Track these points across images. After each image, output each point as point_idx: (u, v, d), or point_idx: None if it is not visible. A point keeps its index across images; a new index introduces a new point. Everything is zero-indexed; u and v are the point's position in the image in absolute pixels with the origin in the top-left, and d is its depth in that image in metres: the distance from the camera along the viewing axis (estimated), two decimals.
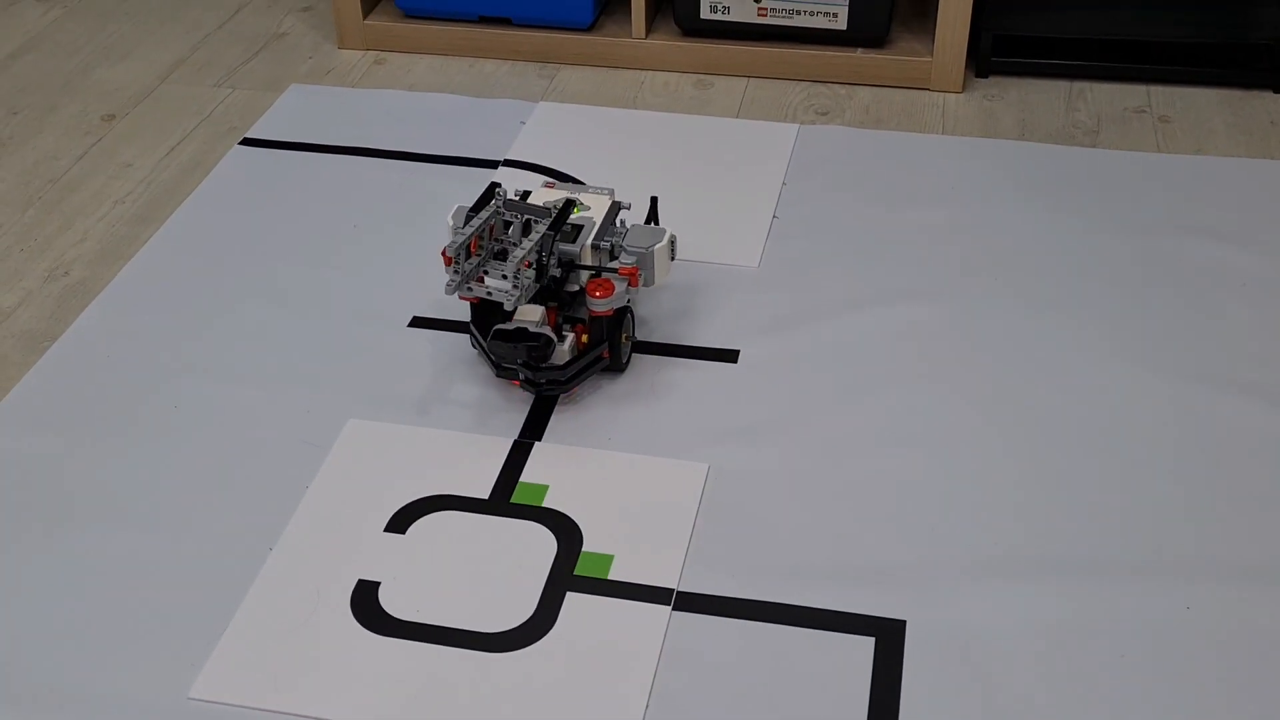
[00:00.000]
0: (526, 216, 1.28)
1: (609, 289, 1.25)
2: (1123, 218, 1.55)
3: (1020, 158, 1.67)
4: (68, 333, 1.41)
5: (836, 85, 1.85)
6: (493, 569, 1.13)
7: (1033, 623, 1.08)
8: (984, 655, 1.06)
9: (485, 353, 1.29)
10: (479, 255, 1.26)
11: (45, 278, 1.50)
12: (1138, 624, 1.08)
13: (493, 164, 1.68)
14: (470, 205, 1.33)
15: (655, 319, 1.40)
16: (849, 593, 1.11)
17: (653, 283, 1.31)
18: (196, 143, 1.74)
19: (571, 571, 1.13)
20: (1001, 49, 1.85)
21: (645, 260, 1.30)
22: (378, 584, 1.12)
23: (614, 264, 1.30)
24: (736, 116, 1.78)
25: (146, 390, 1.33)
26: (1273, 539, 1.15)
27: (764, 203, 1.59)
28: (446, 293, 1.22)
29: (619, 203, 1.35)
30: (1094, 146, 1.70)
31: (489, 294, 1.24)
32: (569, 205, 1.32)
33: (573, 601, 1.10)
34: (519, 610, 1.10)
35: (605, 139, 1.73)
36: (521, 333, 1.24)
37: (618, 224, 1.34)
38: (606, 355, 1.29)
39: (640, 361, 1.35)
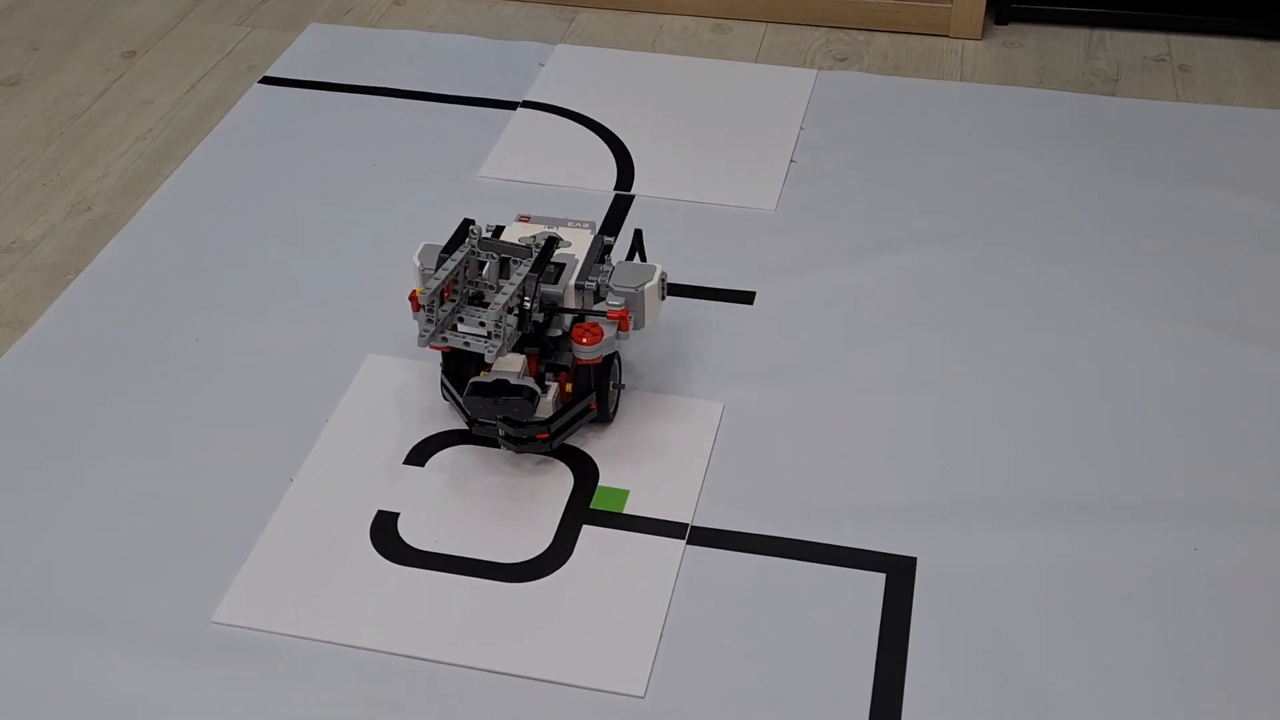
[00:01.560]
0: (504, 255, 1.17)
1: (597, 335, 1.14)
2: (1140, 167, 1.56)
3: (1038, 105, 1.67)
4: (90, 266, 1.42)
5: (855, 31, 1.84)
6: (510, 502, 1.15)
7: (1041, 563, 1.10)
8: (992, 593, 1.07)
9: (459, 407, 1.18)
10: (453, 300, 1.14)
11: (68, 212, 1.51)
12: (1144, 565, 1.10)
13: (511, 105, 1.68)
14: (441, 244, 1.20)
15: (676, 261, 1.41)
16: (861, 530, 1.12)
17: (643, 325, 1.19)
18: (216, 80, 1.75)
19: (588, 505, 1.15)
20: None
21: (635, 301, 1.17)
22: (397, 515, 1.14)
23: (600, 306, 1.18)
24: (755, 61, 1.78)
25: (168, 325, 1.34)
26: None
27: (782, 147, 1.60)
28: (419, 344, 1.11)
29: (602, 237, 1.23)
30: (1113, 95, 1.70)
31: (466, 344, 1.12)
32: (551, 243, 1.18)
33: (589, 535, 1.12)
34: (536, 542, 1.11)
35: (623, 83, 1.73)
36: (501, 385, 1.11)
37: (605, 261, 1.23)
38: (594, 406, 1.18)
39: (667, 309, 1.35)
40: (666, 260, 1.41)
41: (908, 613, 1.06)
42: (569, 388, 1.17)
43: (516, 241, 1.19)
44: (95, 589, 1.08)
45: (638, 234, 1.28)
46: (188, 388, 1.27)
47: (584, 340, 1.14)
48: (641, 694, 1.00)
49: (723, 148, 1.60)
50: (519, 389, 1.10)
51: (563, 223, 1.24)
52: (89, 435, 1.22)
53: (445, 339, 1.12)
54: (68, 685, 1.01)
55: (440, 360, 1.21)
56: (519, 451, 1.17)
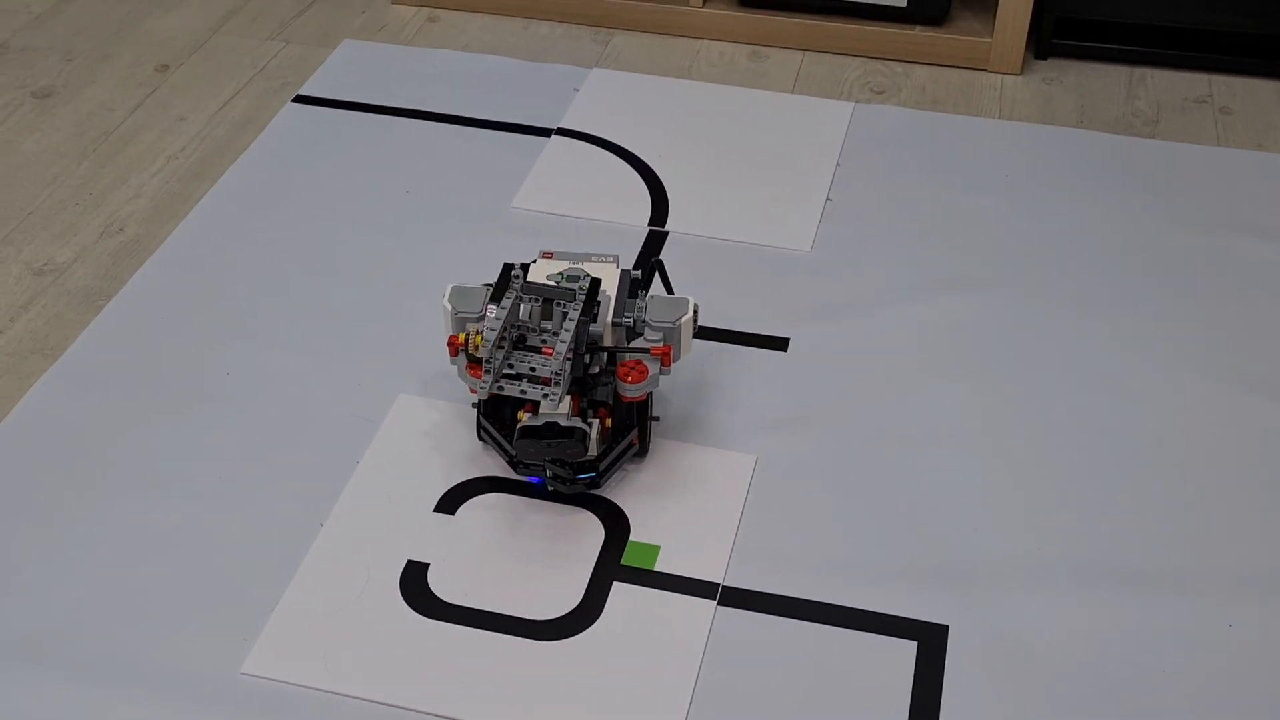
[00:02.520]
0: (547, 298, 1.16)
1: (643, 373, 1.13)
2: (1180, 214, 1.54)
3: (1078, 146, 1.66)
4: (122, 292, 1.41)
5: (893, 62, 1.83)
6: (541, 555, 1.14)
7: (1074, 634, 1.09)
8: (1026, 664, 1.07)
9: (499, 447, 1.18)
10: (501, 346, 1.12)
11: (100, 234, 1.51)
12: (1180, 640, 1.09)
13: (545, 132, 1.67)
14: (468, 283, 1.20)
15: (709, 302, 1.40)
16: (893, 594, 1.12)
17: (679, 358, 1.19)
18: (249, 98, 1.74)
19: (619, 561, 1.14)
20: (1062, 31, 1.82)
21: (672, 335, 1.17)
22: (426, 565, 1.13)
23: (639, 342, 1.18)
24: (792, 91, 1.77)
25: (200, 355, 1.34)
26: None
27: (818, 184, 1.59)
28: (480, 396, 1.10)
29: (628, 271, 1.22)
30: (1153, 137, 1.68)
31: (523, 393, 1.10)
32: (596, 285, 1.17)
33: (619, 591, 1.11)
34: (566, 598, 1.11)
35: (659, 111, 1.72)
36: (552, 428, 1.11)
37: (638, 296, 1.21)
38: (635, 441, 1.19)
39: (702, 354, 1.34)
40: (701, 301, 1.40)
41: (939, 683, 1.05)
42: (608, 423, 1.16)
43: (545, 280, 1.18)
44: (124, 633, 1.08)
45: (659, 265, 1.27)
46: (219, 422, 1.27)
47: (630, 379, 1.13)
48: None
49: (758, 183, 1.59)
50: (569, 430, 1.10)
51: (586, 258, 1.23)
52: (119, 470, 1.22)
53: (501, 388, 1.10)
54: None
55: (475, 401, 1.20)
56: (568, 491, 1.17)
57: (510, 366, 1.12)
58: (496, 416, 1.18)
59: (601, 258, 1.23)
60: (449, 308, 1.18)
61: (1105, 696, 1.05)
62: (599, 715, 1.02)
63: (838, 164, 1.62)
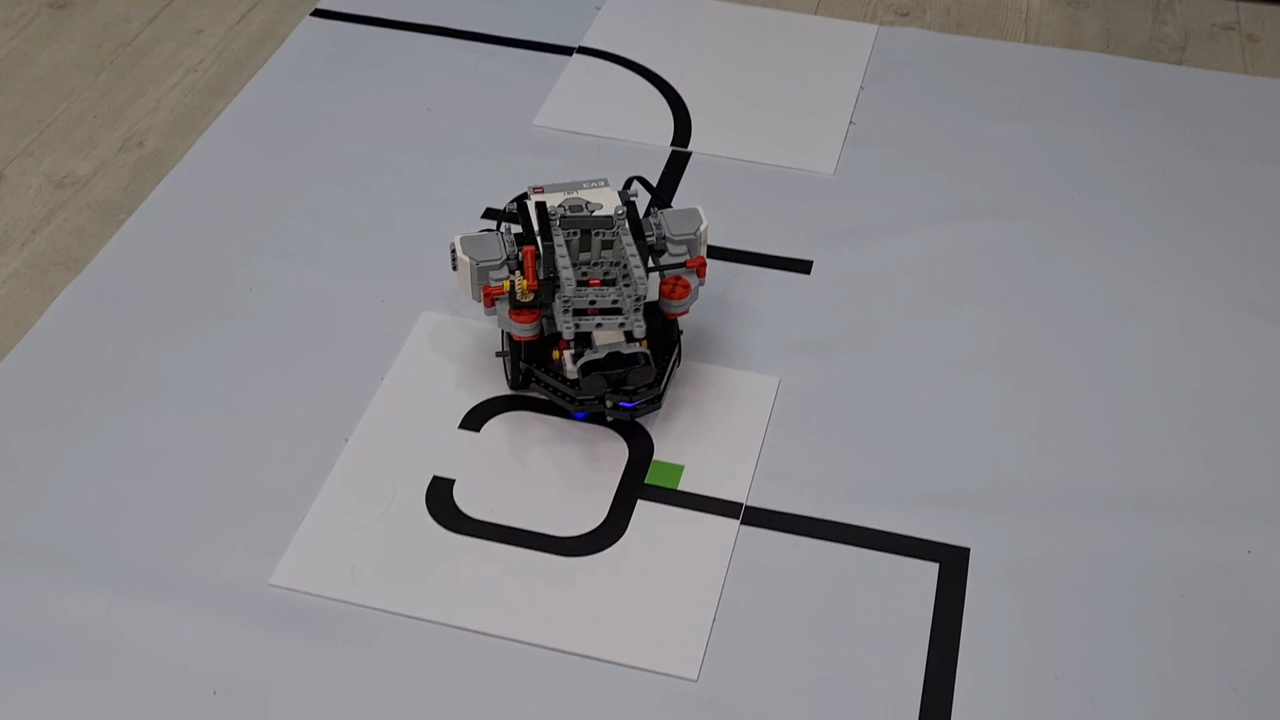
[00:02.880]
0: (584, 229, 1.14)
1: (687, 288, 1.15)
2: (1205, 141, 1.53)
3: (1102, 72, 1.64)
4: (143, 207, 1.41)
5: None
6: (565, 473, 1.15)
7: (1092, 558, 1.10)
8: (1045, 587, 1.08)
9: (555, 391, 1.16)
10: (544, 284, 1.11)
11: (119, 147, 1.50)
12: (1198, 565, 1.10)
13: (567, 50, 1.66)
14: (473, 229, 1.17)
15: (731, 224, 1.40)
16: (914, 517, 1.12)
17: None
18: (267, 11, 1.72)
19: (642, 480, 1.15)
20: None
21: (695, 246, 1.18)
22: (452, 481, 1.14)
23: (669, 259, 1.18)
24: (815, 12, 1.75)
25: (222, 270, 1.34)
26: None
27: (841, 108, 1.57)
28: (566, 335, 1.09)
29: (627, 194, 1.20)
30: (1180, 64, 1.67)
31: (599, 325, 1.11)
32: (633, 209, 1.17)
33: (643, 510, 1.12)
34: (590, 516, 1.12)
35: (680, 31, 1.70)
36: (616, 358, 1.11)
37: (650, 213, 1.20)
38: (680, 359, 1.20)
39: (713, 269, 1.34)
40: (725, 223, 1.40)
41: (960, 604, 1.07)
42: (644, 344, 1.15)
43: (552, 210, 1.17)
44: (154, 544, 1.09)
45: (641, 180, 1.24)
46: (243, 337, 1.27)
47: (675, 295, 1.14)
48: (695, 677, 1.01)
49: (781, 105, 1.58)
50: (633, 357, 1.11)
51: (579, 185, 1.22)
52: (144, 382, 1.22)
53: (578, 325, 1.10)
54: (127, 642, 1.02)
55: (501, 351, 1.19)
56: (632, 419, 1.17)
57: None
58: (543, 356, 1.16)
59: (592, 184, 1.22)
60: (469, 260, 1.14)
61: (1121, 618, 1.06)
62: (623, 629, 1.04)
63: (861, 87, 1.61)
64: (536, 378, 1.17)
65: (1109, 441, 1.19)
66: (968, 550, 1.10)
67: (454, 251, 1.15)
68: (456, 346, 1.26)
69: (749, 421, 1.20)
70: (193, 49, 1.65)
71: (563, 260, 1.11)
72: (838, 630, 1.04)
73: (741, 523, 1.12)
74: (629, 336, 1.14)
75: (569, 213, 1.17)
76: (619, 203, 1.19)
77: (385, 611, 1.05)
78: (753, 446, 1.17)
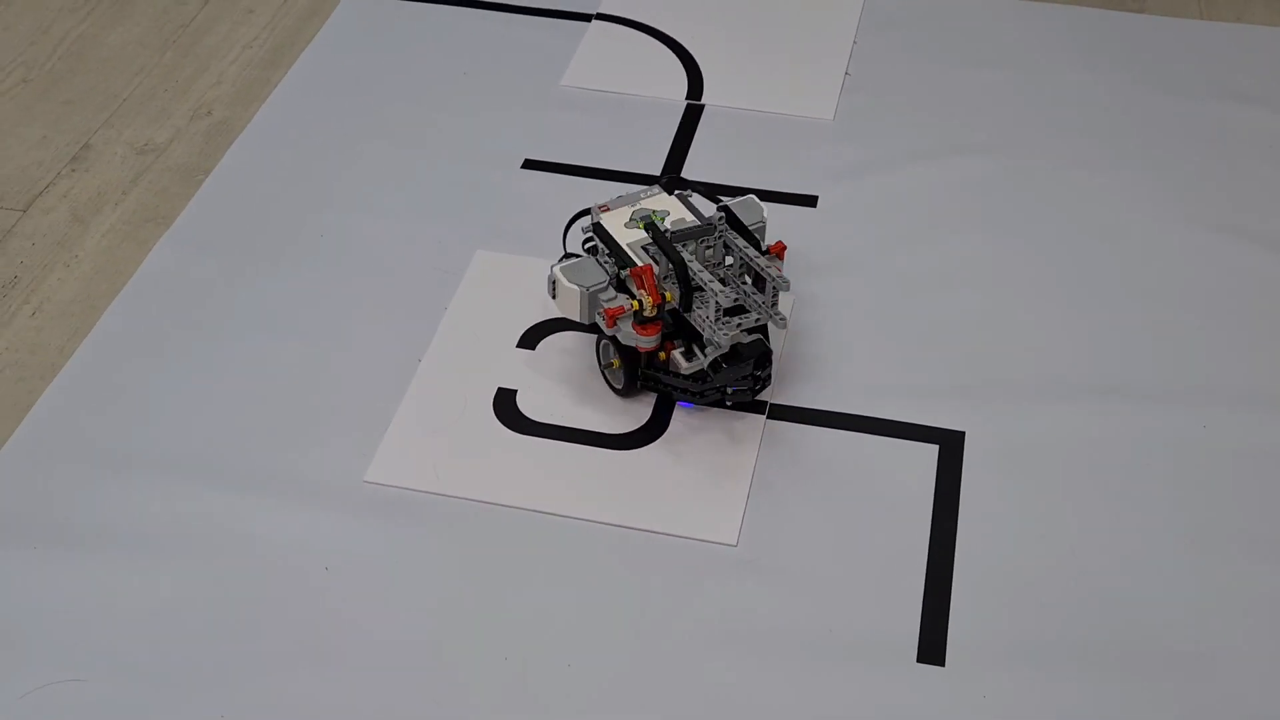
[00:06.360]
0: (690, 239, 1.25)
1: (778, 268, 1.25)
2: (1167, 82, 1.70)
3: (1073, 22, 1.81)
4: (218, 168, 1.58)
5: None
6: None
7: (1071, 436, 1.27)
8: (1030, 463, 1.25)
9: (673, 387, 1.24)
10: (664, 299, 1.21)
11: (191, 117, 1.66)
12: (1161, 439, 1.27)
13: (586, 17, 1.82)
14: (569, 261, 1.26)
15: (746, 168, 1.57)
16: (917, 407, 1.30)
17: None
18: None
19: None
20: None
21: (763, 231, 1.30)
22: (515, 391, 1.31)
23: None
24: None
25: (294, 220, 1.51)
26: None
27: (837, 59, 1.74)
28: (723, 343, 1.19)
29: (682, 192, 1.32)
30: (1141, 11, 1.84)
31: (739, 326, 1.20)
32: (733, 215, 1.27)
33: (680, 412, 1.30)
34: (636, 417, 1.29)
35: None
36: (737, 350, 1.22)
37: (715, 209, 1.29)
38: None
39: None
40: (737, 166, 1.57)
41: (958, 480, 1.24)
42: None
43: (621, 228, 1.27)
44: (255, 450, 1.26)
45: (674, 179, 1.35)
46: (320, 276, 1.44)
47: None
48: (734, 543, 1.18)
49: (783, 58, 1.75)
50: (754, 345, 1.22)
51: (637, 197, 1.32)
52: (237, 318, 1.39)
53: (727, 333, 1.19)
54: (250, 530, 1.19)
55: (608, 356, 1.28)
56: (752, 399, 1.26)
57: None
58: (654, 363, 1.25)
59: (647, 192, 1.32)
60: (578, 288, 1.23)
61: (1095, 486, 1.23)
62: (672, 506, 1.21)
63: (855, 41, 1.78)
64: (650, 378, 1.26)
65: (1082, 340, 1.37)
66: (963, 434, 1.28)
67: (554, 282, 1.25)
68: (508, 280, 1.43)
69: (771, 332, 1.37)
70: (246, 27, 1.82)
71: (703, 275, 1.20)
72: (854, 501, 1.22)
73: (767, 417, 1.29)
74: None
75: (671, 228, 1.26)
76: (680, 205, 1.30)
77: (463, 499, 1.22)
78: (774, 351, 1.35)
